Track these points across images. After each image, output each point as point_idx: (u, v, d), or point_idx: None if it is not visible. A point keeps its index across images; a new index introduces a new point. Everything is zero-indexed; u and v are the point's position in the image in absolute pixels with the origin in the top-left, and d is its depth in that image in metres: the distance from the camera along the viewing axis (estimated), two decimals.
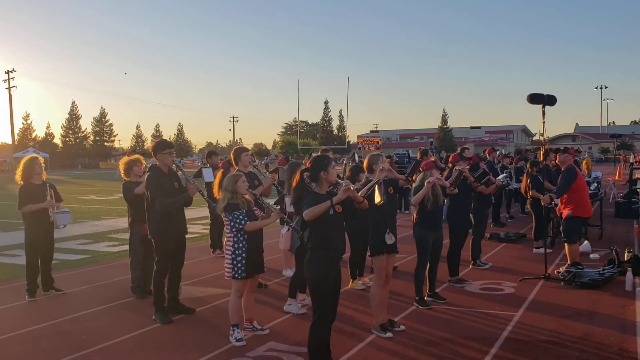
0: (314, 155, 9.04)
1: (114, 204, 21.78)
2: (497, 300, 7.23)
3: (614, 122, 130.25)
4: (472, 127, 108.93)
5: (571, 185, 8.58)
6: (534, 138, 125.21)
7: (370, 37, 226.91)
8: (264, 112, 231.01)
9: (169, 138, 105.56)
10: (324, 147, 11.15)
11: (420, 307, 6.87)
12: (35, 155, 7.90)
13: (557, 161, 9.54)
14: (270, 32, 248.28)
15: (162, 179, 6.43)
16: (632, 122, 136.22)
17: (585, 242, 10.42)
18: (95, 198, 24.78)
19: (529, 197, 10.74)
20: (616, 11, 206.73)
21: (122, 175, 7.67)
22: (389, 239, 5.75)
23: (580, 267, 8.33)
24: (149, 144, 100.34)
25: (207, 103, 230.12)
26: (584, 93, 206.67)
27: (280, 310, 6.83)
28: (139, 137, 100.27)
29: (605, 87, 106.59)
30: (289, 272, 8.65)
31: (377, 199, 4.67)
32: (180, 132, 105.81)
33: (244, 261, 5.65)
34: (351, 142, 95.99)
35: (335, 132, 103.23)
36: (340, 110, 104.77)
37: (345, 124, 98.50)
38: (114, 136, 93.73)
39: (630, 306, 6.83)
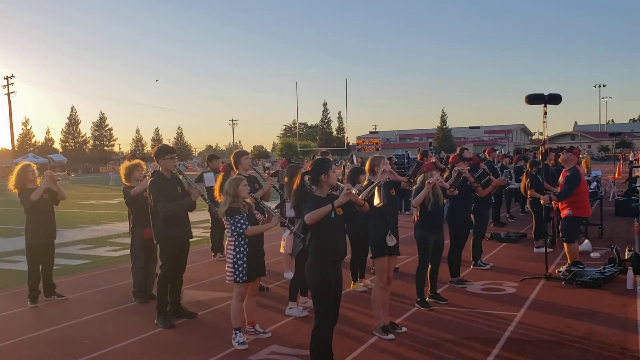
0: (315, 157, 9.15)
1: (115, 209, 21.77)
2: (499, 301, 7.24)
3: (612, 120, 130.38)
4: (471, 127, 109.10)
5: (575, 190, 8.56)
6: (533, 137, 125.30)
7: (368, 38, 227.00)
8: (263, 114, 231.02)
9: (169, 142, 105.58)
10: (323, 150, 11.16)
11: (422, 308, 6.89)
12: (27, 162, 7.89)
13: (560, 159, 9.52)
14: (269, 34, 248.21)
15: (164, 183, 6.44)
16: (630, 120, 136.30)
17: (586, 241, 10.44)
18: (96, 203, 24.80)
19: (528, 196, 10.75)
20: (615, 9, 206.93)
21: (123, 180, 7.68)
22: (390, 241, 5.76)
23: (581, 266, 8.34)
24: (149, 148, 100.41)
25: (207, 106, 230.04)
26: (582, 91, 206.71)
27: (281, 313, 6.84)
28: (138, 141, 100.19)
29: (604, 86, 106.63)
30: (290, 275, 8.65)
31: (377, 200, 4.68)
32: (179, 136, 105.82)
33: (245, 265, 5.67)
34: (350, 144, 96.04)
35: (335, 133, 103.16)
36: (340, 112, 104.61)
37: (344, 126, 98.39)
38: (114, 140, 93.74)
39: (631, 305, 6.84)
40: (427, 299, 7.06)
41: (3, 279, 9.33)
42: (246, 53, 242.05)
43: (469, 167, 8.40)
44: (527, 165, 11.00)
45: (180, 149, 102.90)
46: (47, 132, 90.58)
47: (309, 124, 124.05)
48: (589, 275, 7.89)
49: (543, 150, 9.11)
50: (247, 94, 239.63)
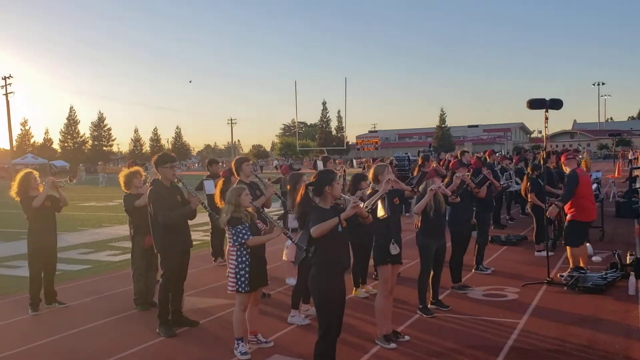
0: (317, 162, 9.11)
1: (114, 211, 21.74)
2: (501, 307, 7.22)
3: (611, 118, 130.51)
4: (469, 126, 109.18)
5: (575, 191, 8.53)
6: (532, 135, 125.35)
7: (368, 37, 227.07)
8: (262, 113, 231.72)
9: (167, 141, 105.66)
10: (324, 155, 11.11)
11: (424, 315, 6.87)
12: (29, 170, 7.87)
13: (562, 162, 9.51)
14: (267, 33, 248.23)
15: (164, 192, 6.42)
16: (629, 117, 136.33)
17: (587, 244, 10.40)
18: (95, 205, 24.78)
19: (529, 200, 10.74)
20: (614, 7, 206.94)
21: (122, 187, 7.65)
22: (394, 250, 5.75)
23: (582, 271, 8.32)
24: (147, 147, 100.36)
25: (205, 105, 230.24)
26: (581, 89, 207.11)
27: (284, 321, 6.82)
28: (137, 141, 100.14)
29: (603, 84, 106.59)
30: (292, 281, 8.63)
31: (381, 212, 4.65)
32: (178, 135, 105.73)
33: (247, 275, 5.65)
34: (350, 143, 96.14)
35: (334, 132, 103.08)
36: (339, 111, 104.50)
37: (343, 125, 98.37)
38: (112, 140, 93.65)
39: (633, 311, 6.82)
40: (429, 306, 7.04)
41: (3, 285, 9.32)
42: (245, 52, 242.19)
43: (470, 172, 8.37)
44: (529, 169, 10.98)
45: (179, 149, 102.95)
46: (46, 133, 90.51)
47: (308, 123, 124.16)
48: (591, 280, 7.88)
49: (544, 155, 9.07)
50: (246, 93, 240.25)
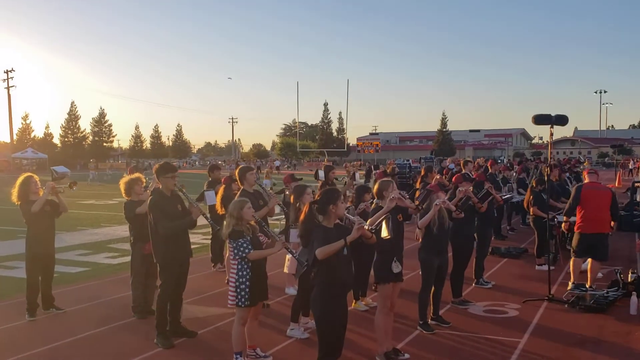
0: (319, 171, 9.04)
1: (114, 210, 21.65)
2: (501, 324, 7.17)
3: (612, 126, 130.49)
4: (471, 130, 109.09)
5: (577, 207, 8.64)
6: (533, 141, 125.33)
7: (370, 39, 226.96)
8: (263, 113, 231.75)
9: (168, 138, 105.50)
10: (327, 164, 11.05)
11: (424, 331, 6.81)
12: (30, 174, 7.81)
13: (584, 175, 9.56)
14: (271, 32, 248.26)
15: (164, 202, 6.36)
16: (630, 126, 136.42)
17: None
18: (94, 203, 24.67)
19: (531, 213, 10.68)
20: (617, 15, 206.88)
21: (123, 194, 7.60)
22: (396, 268, 5.69)
23: (584, 289, 8.27)
24: (147, 144, 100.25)
25: (207, 103, 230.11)
26: (583, 97, 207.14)
27: (283, 334, 6.76)
28: (137, 138, 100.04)
29: (605, 92, 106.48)
30: (291, 291, 8.59)
31: (384, 233, 4.59)
32: (179, 133, 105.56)
33: (247, 289, 5.58)
34: (350, 145, 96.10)
35: (335, 134, 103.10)
36: (340, 112, 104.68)
37: (344, 126, 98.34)
38: (113, 136, 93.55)
39: (635, 332, 6.77)
40: (429, 322, 6.99)
41: (1, 287, 9.24)
42: (248, 51, 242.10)
43: (472, 187, 8.30)
44: (533, 182, 10.92)
45: (179, 146, 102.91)
46: (47, 127, 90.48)
47: (309, 124, 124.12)
48: (592, 299, 7.82)
49: (548, 171, 9.02)
50: (248, 92, 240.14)
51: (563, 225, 9.78)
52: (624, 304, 7.76)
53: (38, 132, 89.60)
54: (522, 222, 16.48)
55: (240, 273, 5.61)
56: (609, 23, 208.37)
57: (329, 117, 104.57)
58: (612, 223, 8.83)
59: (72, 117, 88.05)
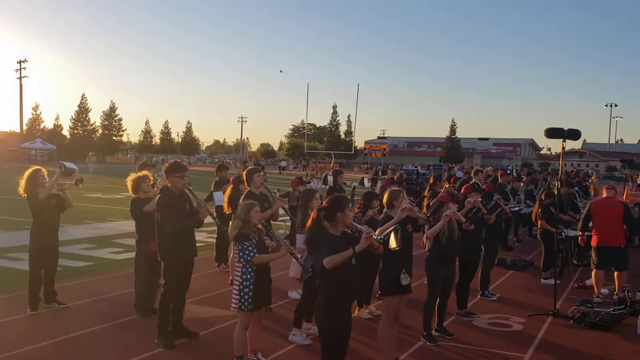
0: (328, 176, 9.03)
1: (120, 204, 21.66)
2: (506, 338, 7.09)
3: (621, 140, 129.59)
4: (479, 139, 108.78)
5: (589, 220, 9.00)
6: (541, 152, 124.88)
7: (382, 44, 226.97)
8: (272, 113, 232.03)
9: (177, 135, 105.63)
10: (337, 169, 10.99)
11: (428, 343, 6.74)
12: (38, 167, 7.79)
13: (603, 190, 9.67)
14: (284, 33, 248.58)
15: (172, 200, 6.32)
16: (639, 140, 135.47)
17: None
18: (100, 196, 24.69)
19: (539, 226, 10.59)
20: (631, 29, 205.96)
21: (130, 191, 7.57)
22: (404, 280, 5.62)
23: (589, 305, 8.18)
24: (157, 140, 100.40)
25: (217, 101, 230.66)
26: (593, 109, 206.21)
27: (284, 339, 6.71)
28: (147, 133, 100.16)
29: (615, 105, 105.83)
30: (294, 294, 8.53)
31: (393, 244, 4.52)
32: (188, 130, 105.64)
33: (251, 293, 5.54)
34: (358, 148, 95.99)
35: (343, 136, 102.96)
36: (349, 115, 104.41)
37: (353, 129, 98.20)
38: (123, 131, 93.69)
39: None
40: (433, 333, 6.91)
41: (4, 279, 9.24)
42: (260, 51, 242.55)
43: (481, 198, 8.23)
44: (542, 195, 10.83)
45: (189, 143, 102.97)
46: (57, 119, 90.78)
47: (318, 125, 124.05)
48: (598, 316, 7.72)
49: (559, 186, 8.94)
50: (258, 92, 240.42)
51: (580, 239, 9.78)
52: (630, 322, 7.67)
53: (48, 123, 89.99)
54: (528, 233, 16.38)
55: (244, 276, 5.57)
56: (623, 37, 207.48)
57: (337, 119, 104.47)
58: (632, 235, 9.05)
59: (83, 110, 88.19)
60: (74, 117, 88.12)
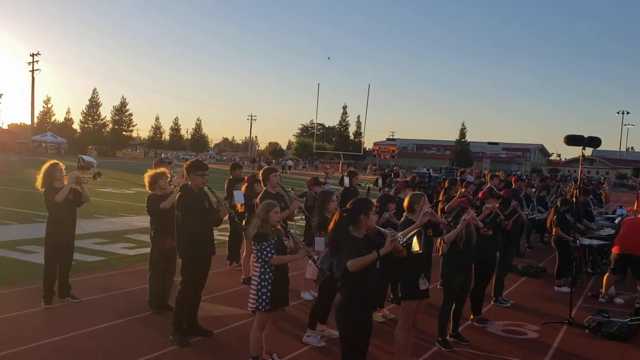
0: (344, 177, 8.99)
1: (131, 199, 21.74)
2: (521, 346, 7.03)
3: (632, 148, 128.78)
4: (489, 143, 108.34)
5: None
6: (551, 158, 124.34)
7: (393, 46, 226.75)
8: (282, 112, 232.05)
9: (187, 132, 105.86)
10: (350, 170, 10.95)
11: (443, 348, 6.69)
12: (55, 161, 7.80)
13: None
14: (295, 33, 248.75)
15: (192, 198, 6.31)
16: None
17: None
18: (112, 191, 24.74)
19: (553, 233, 10.50)
20: None
21: (147, 187, 7.55)
22: (423, 284, 5.58)
23: (606, 315, 8.10)
24: (167, 136, 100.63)
25: (227, 99, 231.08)
26: (604, 116, 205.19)
27: (298, 340, 6.68)
28: (157, 129, 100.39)
29: (627, 113, 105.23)
30: (307, 295, 8.51)
31: (416, 247, 4.48)
32: (198, 127, 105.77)
33: (269, 293, 5.51)
34: (367, 149, 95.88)
35: (352, 137, 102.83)
36: (359, 116, 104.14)
37: (362, 130, 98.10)
38: (133, 126, 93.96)
39: None
40: (448, 338, 6.86)
41: (18, 271, 9.25)
42: (270, 50, 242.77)
43: (499, 204, 8.15)
44: (558, 202, 10.74)
45: (198, 140, 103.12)
46: (68, 112, 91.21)
47: (327, 126, 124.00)
48: (614, 326, 7.65)
49: (577, 193, 8.87)
50: (268, 90, 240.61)
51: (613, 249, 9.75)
52: None
53: (59, 117, 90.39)
54: (540, 240, 16.29)
55: (262, 277, 5.54)
56: (637, 44, 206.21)
57: (347, 120, 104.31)
58: None
59: (94, 104, 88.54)
60: (84, 111, 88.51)
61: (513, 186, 13.40)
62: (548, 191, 17.69)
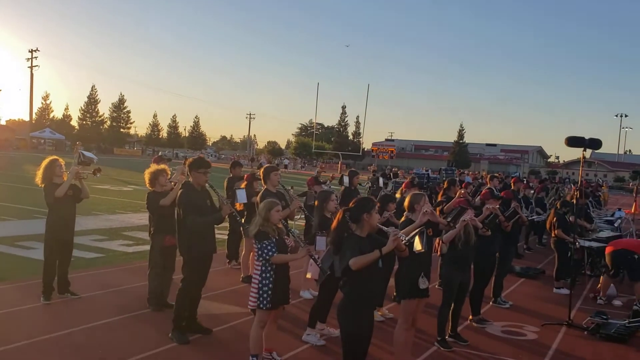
0: (344, 177, 8.99)
1: (129, 197, 21.73)
2: (520, 347, 7.04)
3: (630, 151, 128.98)
4: (487, 144, 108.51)
5: None
6: (549, 160, 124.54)
7: (393, 46, 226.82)
8: (281, 111, 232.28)
9: (184, 129, 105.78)
10: (351, 169, 10.96)
11: (442, 348, 6.69)
12: (55, 157, 7.79)
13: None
14: (296, 32, 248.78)
15: (194, 196, 6.29)
16: None
17: (611, 285, 10.15)
18: (109, 188, 24.70)
19: (553, 235, 10.50)
20: None
21: (147, 184, 7.53)
22: (422, 284, 5.58)
23: (604, 317, 8.11)
24: (164, 133, 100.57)
25: (225, 97, 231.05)
26: (602, 119, 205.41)
27: (297, 339, 6.67)
28: (155, 126, 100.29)
29: (626, 116, 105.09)
30: (306, 294, 8.52)
31: (418, 246, 4.49)
32: (196, 125, 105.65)
33: (270, 292, 5.49)
34: (366, 149, 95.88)
35: (351, 137, 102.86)
36: (358, 116, 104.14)
37: (361, 131, 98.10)
38: (131, 123, 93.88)
39: None
40: (447, 338, 6.87)
41: (17, 267, 9.25)
42: (270, 48, 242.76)
43: (499, 205, 8.16)
44: (557, 204, 10.75)
45: (196, 138, 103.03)
46: (66, 109, 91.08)
47: (326, 125, 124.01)
48: (613, 328, 7.65)
49: (577, 195, 8.87)
50: (267, 89, 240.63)
51: None
52: None
53: (57, 113, 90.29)
54: (538, 242, 16.31)
55: (263, 275, 5.53)
56: (636, 47, 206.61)
57: (346, 120, 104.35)
58: None
59: (92, 101, 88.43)
60: (83, 107, 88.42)
61: (512, 187, 13.43)
62: (547, 193, 17.73)
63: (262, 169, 7.94)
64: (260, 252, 5.52)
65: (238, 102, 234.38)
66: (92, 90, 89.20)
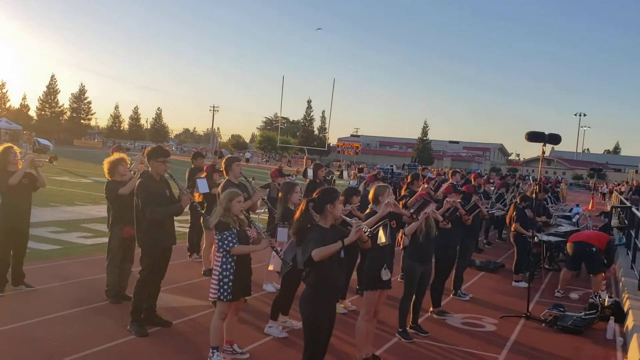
0: (308, 169, 8.97)
1: (88, 189, 21.31)
2: (479, 338, 7.13)
3: (588, 150, 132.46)
4: (450, 142, 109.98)
5: None
6: (510, 157, 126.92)
7: (359, 42, 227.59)
8: (245, 104, 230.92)
9: (147, 121, 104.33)
10: (316, 162, 10.92)
11: (403, 339, 6.73)
12: (10, 144, 7.55)
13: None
14: (261, 23, 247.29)
15: (153, 186, 6.16)
16: (605, 151, 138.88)
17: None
18: (68, 180, 24.17)
19: (512, 229, 10.67)
20: (603, 40, 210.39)
21: (106, 174, 7.36)
22: (385, 275, 5.59)
23: (562, 309, 8.28)
24: (126, 125, 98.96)
25: (188, 89, 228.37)
26: (562, 118, 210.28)
27: (259, 331, 6.62)
28: (116, 118, 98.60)
29: (584, 115, 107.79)
30: (269, 287, 8.46)
31: (382, 239, 4.49)
32: (158, 117, 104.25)
33: (230, 283, 5.43)
34: (331, 144, 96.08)
35: (316, 132, 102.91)
36: (323, 111, 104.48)
37: (327, 126, 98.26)
38: (92, 114, 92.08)
39: (611, 357, 6.78)
40: (408, 330, 6.91)
41: None
42: (234, 39, 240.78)
43: (460, 198, 8.24)
44: (517, 198, 10.94)
45: (158, 130, 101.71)
46: (24, 98, 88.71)
47: (291, 120, 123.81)
48: (570, 320, 7.82)
49: (537, 189, 9.03)
50: (231, 82, 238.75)
51: None
52: (601, 327, 7.79)
53: (14, 103, 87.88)
54: (498, 236, 16.58)
55: (223, 266, 5.46)
56: (594, 47, 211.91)
57: (311, 114, 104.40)
58: None
59: (51, 91, 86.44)
60: (41, 97, 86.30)
61: (472, 182, 13.61)
62: (507, 189, 18.02)
63: (223, 160, 7.84)
64: (220, 243, 5.44)
65: (202, 94, 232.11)
66: (51, 79, 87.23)
